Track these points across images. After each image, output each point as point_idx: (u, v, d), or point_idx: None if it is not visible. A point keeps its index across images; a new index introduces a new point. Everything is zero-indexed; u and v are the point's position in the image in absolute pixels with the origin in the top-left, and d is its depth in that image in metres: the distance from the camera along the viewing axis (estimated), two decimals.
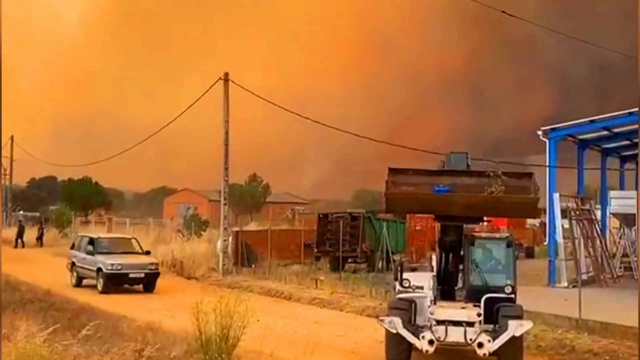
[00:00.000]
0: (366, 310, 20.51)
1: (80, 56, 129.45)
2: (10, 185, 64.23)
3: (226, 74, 30.07)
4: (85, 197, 60.97)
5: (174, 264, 31.34)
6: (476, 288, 12.65)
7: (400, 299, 12.45)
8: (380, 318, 12.20)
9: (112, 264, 23.33)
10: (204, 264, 30.74)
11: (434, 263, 13.76)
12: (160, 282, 24.59)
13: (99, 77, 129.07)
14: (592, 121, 26.30)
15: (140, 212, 74.84)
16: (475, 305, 12.21)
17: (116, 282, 23.40)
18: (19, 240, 46.79)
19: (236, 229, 35.25)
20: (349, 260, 31.56)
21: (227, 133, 30.11)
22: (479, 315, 11.93)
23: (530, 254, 42.38)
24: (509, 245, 13.22)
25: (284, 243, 33.23)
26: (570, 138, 28.07)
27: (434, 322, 11.94)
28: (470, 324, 11.82)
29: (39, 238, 47.49)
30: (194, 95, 30.46)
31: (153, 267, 24.03)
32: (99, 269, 23.55)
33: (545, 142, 26.25)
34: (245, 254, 31.28)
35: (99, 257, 23.91)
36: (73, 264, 25.40)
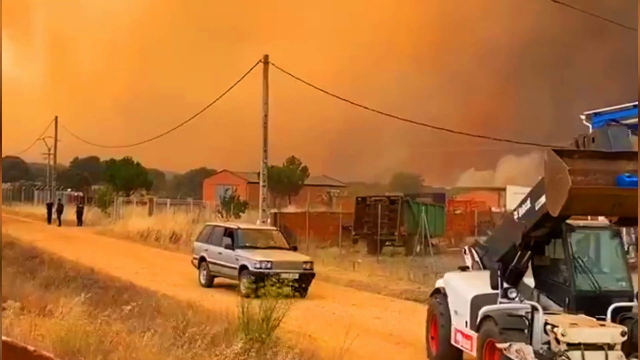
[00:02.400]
0: (404, 294, 20.47)
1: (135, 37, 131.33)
2: (54, 165, 65.27)
3: (266, 57, 30.15)
4: (127, 178, 61.71)
5: None
6: (585, 294, 9.85)
7: (511, 315, 9.69)
8: (501, 346, 9.35)
9: (262, 261, 19.00)
10: None
11: (477, 258, 11.71)
12: None
13: (155, 60, 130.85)
14: (635, 106, 25.72)
15: (180, 192, 75.66)
16: (599, 319, 9.52)
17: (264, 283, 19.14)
18: (56, 218, 47.68)
19: (274, 210, 35.43)
20: (387, 243, 31.56)
21: (266, 116, 30.21)
22: (623, 334, 9.10)
23: None
24: (616, 236, 10.41)
25: (322, 225, 33.32)
26: (614, 123, 27.52)
27: (564, 347, 9.06)
28: (611, 347, 9.05)
29: (78, 217, 48.27)
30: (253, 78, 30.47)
31: (308, 267, 19.56)
32: (243, 267, 19.37)
33: (588, 126, 25.79)
34: (283, 236, 31.36)
35: (241, 253, 19.75)
36: (202, 259, 21.35)
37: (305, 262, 19.67)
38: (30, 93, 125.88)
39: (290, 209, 47.29)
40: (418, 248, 29.67)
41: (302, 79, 29.69)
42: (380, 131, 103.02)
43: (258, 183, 32.13)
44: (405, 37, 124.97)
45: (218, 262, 20.60)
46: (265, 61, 30.08)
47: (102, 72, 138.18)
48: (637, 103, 25.63)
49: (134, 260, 27.03)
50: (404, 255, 29.62)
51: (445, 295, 11.72)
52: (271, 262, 18.98)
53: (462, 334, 10.99)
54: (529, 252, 10.27)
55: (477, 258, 11.78)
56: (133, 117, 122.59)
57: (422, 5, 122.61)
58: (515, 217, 10.48)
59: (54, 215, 48.35)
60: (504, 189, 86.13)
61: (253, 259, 19.18)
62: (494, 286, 10.20)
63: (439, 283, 12.20)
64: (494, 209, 55.17)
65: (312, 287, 20.22)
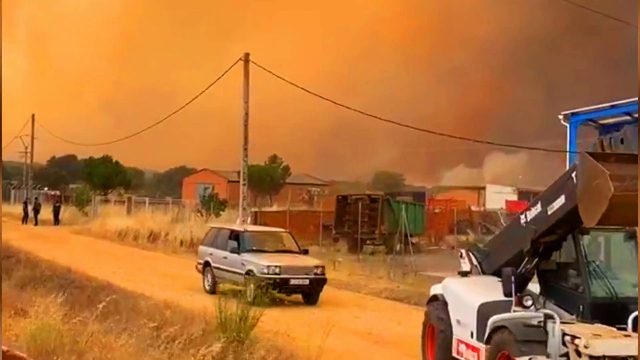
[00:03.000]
0: (384, 292, 20.49)
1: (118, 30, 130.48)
2: (31, 164, 64.63)
3: (246, 55, 29.98)
4: (105, 176, 61.23)
5: (192, 243, 31.49)
6: (600, 301, 9.11)
7: (528, 325, 9.02)
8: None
9: (269, 266, 17.78)
10: None
11: (475, 262, 11.22)
12: (180, 262, 24.49)
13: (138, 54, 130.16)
14: (613, 106, 25.91)
15: (159, 191, 75.27)
16: (619, 328, 8.77)
17: (273, 290, 17.39)
18: (32, 217, 47.16)
19: (255, 209, 35.33)
20: (367, 242, 31.64)
21: (246, 114, 30.08)
22: None
23: None
24: (631, 238, 9.55)
25: (302, 224, 33.30)
26: (591, 123, 27.73)
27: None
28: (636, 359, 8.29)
29: (55, 216, 47.80)
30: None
31: (319, 272, 18.29)
32: (249, 272, 18.03)
33: (566, 126, 25.93)
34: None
35: (247, 257, 18.46)
36: (207, 264, 20.02)
37: (317, 267, 18.36)
38: (8, 90, 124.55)
39: (272, 207, 47.15)
40: (398, 246, 29.79)
41: (285, 77, 29.55)
42: (365, 130, 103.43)
43: (238, 182, 31.99)
44: (394, 34, 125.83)
45: (223, 267, 19.24)
46: (246, 59, 29.91)
47: (82, 69, 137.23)
48: (614, 103, 25.88)
49: (111, 260, 26.81)
50: (384, 253, 29.70)
51: (444, 303, 10.85)
52: (279, 266, 17.78)
53: (467, 345, 10.16)
54: (537, 258, 9.64)
55: (475, 262, 11.22)
56: (113, 115, 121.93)
57: (411, 1, 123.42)
58: (523, 221, 9.92)
59: (30, 214, 47.82)
60: (484, 188, 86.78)
61: (260, 263, 17.89)
62: (508, 293, 9.38)
63: (436, 289, 11.31)
64: (473, 208, 55.49)
65: None
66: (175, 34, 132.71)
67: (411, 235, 29.69)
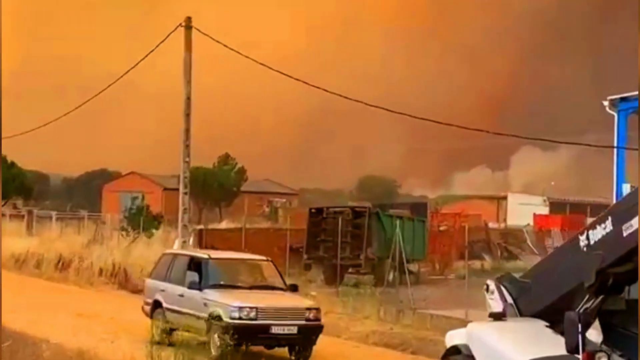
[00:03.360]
0: (371, 337, 20.56)
1: None
2: None
3: (188, 19, 29.75)
4: None
5: (115, 272, 31.36)
6: None
7: None
8: None
9: (242, 308, 17.08)
10: None
11: (510, 299, 11.07)
12: (99, 297, 24.42)
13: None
14: None
15: (70, 202, 74.87)
16: None
17: (247, 341, 17.27)
18: None
19: (200, 227, 35.27)
20: (350, 270, 31.63)
21: (189, 99, 29.90)
22: None
23: None
24: None
25: (263, 246, 33.07)
26: None
27: None
28: None
29: None
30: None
31: (312, 316, 17.66)
32: (214, 317, 17.32)
33: (613, 115, 26.28)
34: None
35: (212, 294, 17.75)
36: (157, 304, 19.37)
37: (309, 309, 17.71)
38: None
39: (222, 224, 47.14)
40: (391, 276, 29.83)
41: (242, 51, 29.51)
42: (350, 122, 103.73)
43: (177, 190, 31.89)
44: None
45: (178, 308, 18.51)
46: (187, 25, 29.67)
47: None
48: None
49: (7, 295, 26.58)
50: (372, 285, 29.73)
51: (471, 358, 10.62)
52: (256, 308, 17.03)
53: None
54: (604, 295, 9.37)
55: (509, 299, 10.94)
56: (11, 101, 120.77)
57: None
58: (583, 244, 9.76)
59: None
60: (505, 198, 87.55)
61: (229, 304, 17.13)
62: (573, 348, 9.05)
63: (456, 338, 11.15)
64: (491, 225, 55.95)
65: None
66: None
67: (408, 261, 29.68)
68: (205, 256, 19.45)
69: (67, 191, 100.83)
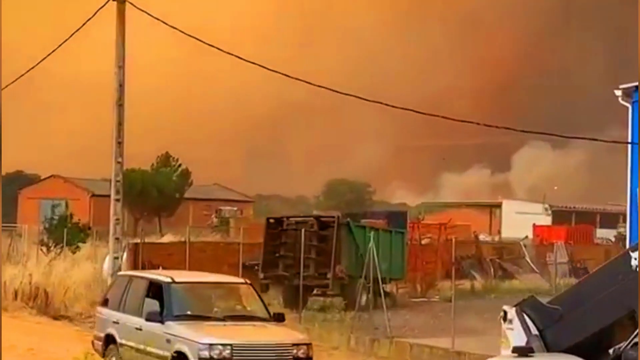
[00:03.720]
0: None
1: None
2: None
3: None
4: None
5: (33, 295, 31.16)
6: None
7: None
8: None
9: (213, 345, 16.37)
10: (83, 297, 30.75)
11: (534, 330, 10.97)
12: (14, 324, 24.14)
13: None
14: None
15: None
16: None
17: None
18: None
19: (136, 240, 35.12)
20: (315, 291, 31.65)
21: (122, 86, 29.86)
22: None
23: None
24: None
25: (211, 263, 33.25)
26: None
27: None
28: None
29: None
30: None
31: (302, 354, 17.12)
32: (180, 355, 16.67)
33: (626, 106, 26.54)
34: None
35: (176, 328, 16.90)
36: (109, 339, 18.63)
37: (297, 345, 17.08)
38: None
39: (163, 237, 47.04)
40: (364, 299, 29.86)
41: (186, 30, 29.40)
42: (318, 118, 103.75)
43: (108, 196, 31.78)
44: None
45: (136, 345, 17.69)
46: None
47: None
48: None
49: None
50: (341, 310, 29.79)
51: None
52: (231, 346, 16.30)
53: None
54: None
55: (534, 330, 10.87)
56: None
57: None
58: (635, 263, 9.88)
59: None
60: (499, 206, 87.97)
61: (198, 340, 16.35)
62: None
63: None
64: (482, 237, 56.21)
65: None
66: None
67: (384, 281, 29.74)
68: (168, 279, 18.10)
69: None
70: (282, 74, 26.86)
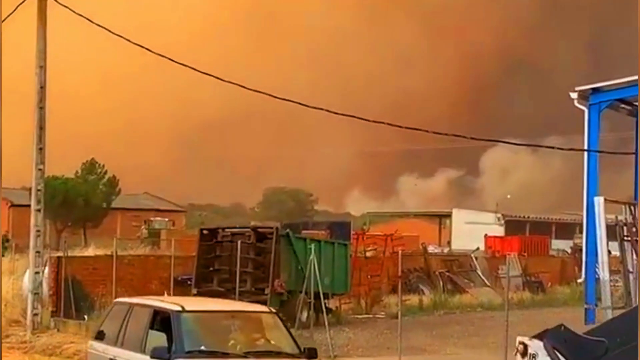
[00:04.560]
0: None
1: None
2: None
3: None
4: None
5: None
6: None
7: None
8: None
9: None
10: (2, 315, 30.24)
11: (540, 353, 10.04)
12: None
13: None
14: None
15: None
16: None
17: None
18: None
19: (58, 254, 34.71)
20: None
21: (42, 88, 29.76)
22: None
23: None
24: None
25: (140, 278, 33.10)
26: (623, 105, 28.57)
27: None
28: None
29: None
30: None
31: None
32: None
33: (582, 110, 26.66)
34: (72, 297, 31.00)
35: None
36: None
37: None
38: None
39: (88, 250, 46.56)
40: (304, 315, 29.83)
41: (118, 31, 29.16)
42: (272, 122, 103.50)
43: (28, 206, 31.48)
44: None
45: None
46: None
47: None
48: None
49: None
50: None
51: None
52: None
53: None
54: None
55: None
56: None
57: None
58: None
59: None
60: (449, 215, 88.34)
61: None
62: None
63: None
64: (431, 249, 56.36)
65: None
66: None
67: (327, 296, 29.75)
68: (177, 308, 15.63)
69: None
70: (215, 76, 26.74)
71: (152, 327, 15.47)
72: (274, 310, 17.00)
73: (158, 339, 14.98)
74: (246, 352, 14.88)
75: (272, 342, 15.71)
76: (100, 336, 16.96)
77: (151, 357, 14.57)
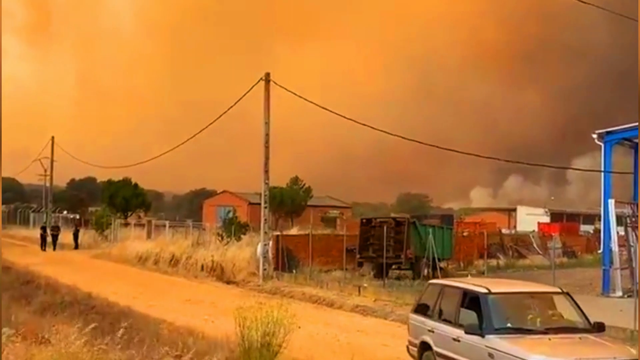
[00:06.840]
0: None
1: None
2: (50, 187, 65.36)
3: (267, 74, 30.20)
4: (125, 199, 61.81)
5: (213, 268, 31.62)
6: None
7: None
8: None
9: None
10: (245, 269, 30.96)
11: None
12: (202, 287, 24.38)
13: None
14: None
15: (179, 214, 75.72)
16: None
17: None
18: (51, 242, 47.45)
19: (277, 233, 35.39)
20: (393, 266, 31.49)
21: (267, 135, 30.30)
22: None
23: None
24: None
25: (325, 248, 33.30)
26: (626, 142, 27.63)
27: None
28: None
29: (75, 240, 48.33)
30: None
31: None
32: None
33: (600, 145, 25.92)
34: (286, 259, 31.43)
35: (498, 343, 10.83)
36: (425, 346, 12.62)
37: None
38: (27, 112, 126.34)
39: (293, 230, 47.25)
40: (426, 271, 29.69)
41: (311, 99, 29.40)
42: (391, 150, 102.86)
43: (259, 204, 32.18)
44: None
45: (454, 356, 11.71)
46: (267, 79, 30.13)
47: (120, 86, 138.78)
48: None
49: (132, 285, 27.07)
50: (410, 279, 29.60)
51: None
52: None
53: None
54: None
55: None
56: (139, 137, 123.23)
57: None
58: None
59: (49, 239, 48.03)
60: (515, 210, 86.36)
61: (527, 358, 10.27)
62: None
63: None
64: (504, 231, 55.20)
65: (316, 313, 20.13)
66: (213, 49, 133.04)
67: (439, 260, 29.57)
68: (484, 290, 11.85)
69: (177, 205, 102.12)
70: (369, 126, 26.80)
71: (462, 306, 11.96)
72: (565, 291, 12.49)
73: (469, 316, 11.57)
74: (546, 328, 11.17)
75: (567, 318, 11.85)
76: (419, 310, 13.23)
77: (465, 332, 11.30)
